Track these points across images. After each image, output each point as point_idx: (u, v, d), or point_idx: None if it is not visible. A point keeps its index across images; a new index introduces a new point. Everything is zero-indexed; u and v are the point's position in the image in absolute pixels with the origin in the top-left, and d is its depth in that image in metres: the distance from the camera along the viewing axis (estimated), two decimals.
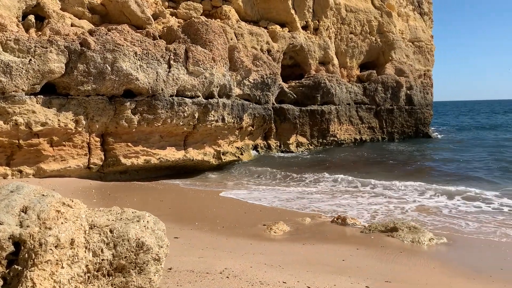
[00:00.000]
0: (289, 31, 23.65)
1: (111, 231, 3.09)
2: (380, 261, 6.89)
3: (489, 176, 15.86)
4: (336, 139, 25.56)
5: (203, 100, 16.14)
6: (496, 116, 67.47)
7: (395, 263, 6.84)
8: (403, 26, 29.95)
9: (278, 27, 23.02)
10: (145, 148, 15.04)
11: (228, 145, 18.61)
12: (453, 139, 30.83)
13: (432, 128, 35.46)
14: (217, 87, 16.88)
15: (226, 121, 17.30)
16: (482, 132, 36.81)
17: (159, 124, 14.91)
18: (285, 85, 23.46)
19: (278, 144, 23.02)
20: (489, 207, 11.13)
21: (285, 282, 5.21)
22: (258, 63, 20.09)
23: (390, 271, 6.32)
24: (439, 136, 33.09)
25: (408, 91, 28.82)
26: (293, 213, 10.65)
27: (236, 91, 18.79)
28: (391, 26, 28.15)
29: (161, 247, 3.16)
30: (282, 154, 22.35)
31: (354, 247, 7.64)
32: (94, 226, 3.12)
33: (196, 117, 15.94)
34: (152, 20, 17.59)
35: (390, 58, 28.49)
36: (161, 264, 3.17)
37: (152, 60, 14.66)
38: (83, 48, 13.18)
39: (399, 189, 13.42)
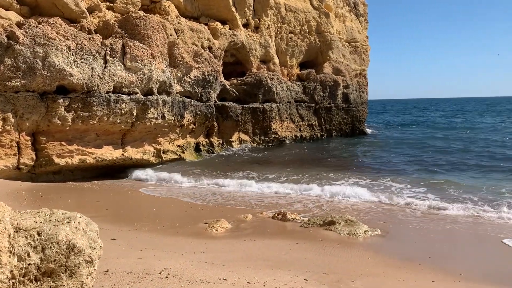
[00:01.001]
0: (230, 29, 23.64)
1: (38, 234, 2.92)
2: (318, 254, 7.09)
3: (412, 170, 16.71)
4: (277, 136, 25.95)
5: (142, 97, 15.72)
6: (427, 113, 71.63)
7: (332, 255, 7.08)
8: (340, 27, 30.98)
9: (219, 24, 22.93)
10: (80, 147, 14.40)
11: (169, 143, 18.29)
12: (387, 136, 32.34)
13: (371, 125, 37.13)
14: (156, 83, 16.52)
15: (166, 119, 16.98)
16: (410, 129, 38.96)
17: (95, 122, 14.33)
18: (227, 83, 23.43)
19: (221, 141, 22.96)
20: (415, 199, 11.79)
21: (225, 279, 5.21)
22: (199, 60, 19.89)
23: (328, 263, 6.53)
24: (374, 132, 34.60)
25: (345, 90, 29.86)
26: (235, 210, 10.68)
27: (177, 88, 18.48)
28: (329, 27, 29.02)
29: (94, 248, 3.03)
30: (224, 152, 22.33)
31: (294, 242, 7.81)
32: (20, 229, 2.93)
33: (135, 114, 15.50)
34: (87, 13, 16.84)
35: (328, 57, 29.36)
36: (94, 266, 3.05)
37: (87, 55, 14.05)
38: (11, 41, 12.35)
39: (335, 184, 13.88)
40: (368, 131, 33.96)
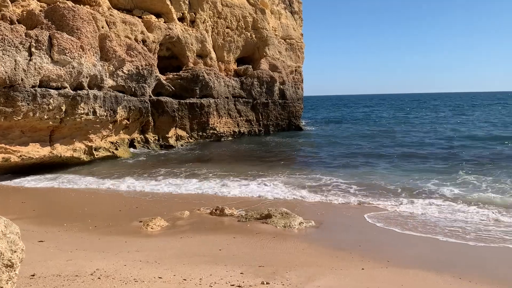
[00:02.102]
0: (165, 22, 23.13)
1: None
2: (255, 247, 7.19)
3: (341, 164, 17.37)
4: (215, 132, 25.87)
5: (71, 91, 14.96)
6: (363, 109, 74.75)
7: (268, 248, 7.21)
8: (276, 24, 31.41)
9: (153, 17, 22.34)
10: (3, 145, 13.44)
11: (101, 140, 17.59)
12: (322, 132, 33.37)
13: (307, 121, 38.11)
14: (86, 77, 15.79)
15: (98, 114, 16.30)
16: (345, 125, 40.53)
17: (20, 118, 13.44)
18: (162, 77, 22.93)
19: (157, 138, 22.48)
20: (345, 192, 12.32)
21: (160, 277, 5.13)
22: (132, 53, 19.28)
23: (264, 256, 6.64)
24: (309, 128, 35.54)
25: (281, 86, 30.39)
26: (171, 208, 10.50)
27: (109, 82, 17.79)
28: (265, 23, 29.33)
29: (15, 251, 2.85)
30: (160, 148, 21.89)
31: (231, 236, 7.85)
32: None
33: (63, 110, 14.72)
34: (9, 2, 15.68)
35: (264, 54, 29.68)
36: (15, 271, 2.87)
37: (9, 47, 13.11)
38: None
39: (270, 179, 14.12)
40: (305, 127, 34.86)
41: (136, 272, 5.31)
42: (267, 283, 5.32)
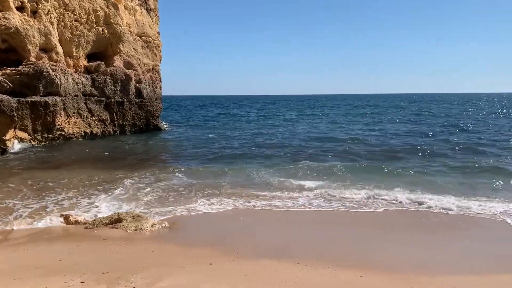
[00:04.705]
0: (0, 11, 20.46)
1: None
2: (101, 253, 6.86)
3: (196, 163, 17.60)
4: (64, 133, 23.82)
5: None
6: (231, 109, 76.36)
7: (115, 253, 6.94)
8: (131, 20, 30.23)
9: None
10: None
11: None
12: (183, 132, 33.15)
13: (172, 122, 37.40)
14: None
15: None
16: (207, 124, 41.02)
17: None
18: None
19: None
20: (202, 192, 12.57)
21: None
22: None
23: (110, 262, 6.38)
24: (174, 129, 34.92)
25: (137, 85, 29.39)
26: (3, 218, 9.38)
27: None
28: (118, 18, 28.01)
29: None
30: None
31: (75, 244, 7.35)
32: None
33: None
34: None
35: (118, 50, 28.33)
36: None
37: None
38: None
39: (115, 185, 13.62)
40: (167, 127, 34.31)
41: None
42: None
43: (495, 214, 9.83)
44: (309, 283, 5.88)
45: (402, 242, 8.10)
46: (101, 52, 28.32)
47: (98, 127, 26.51)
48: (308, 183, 13.05)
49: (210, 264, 6.61)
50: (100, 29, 27.10)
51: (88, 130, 25.75)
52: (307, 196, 11.71)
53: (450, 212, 10.11)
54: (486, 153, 19.14)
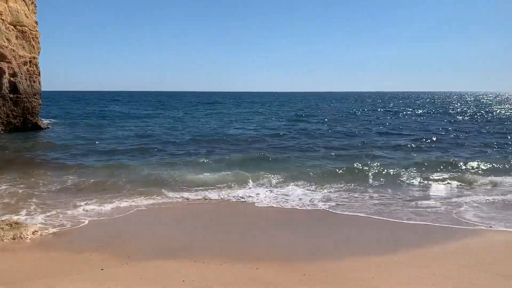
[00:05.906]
0: None
1: None
2: None
3: (61, 164, 16.54)
4: None
5: None
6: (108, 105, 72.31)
7: None
8: (3, 7, 27.10)
9: None
10: None
11: None
12: (67, 130, 30.70)
13: (57, 120, 34.20)
14: None
15: None
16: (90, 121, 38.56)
17: None
18: None
19: None
20: (93, 195, 11.88)
21: None
22: None
23: None
24: (56, 127, 32.08)
25: (12, 78, 26.46)
26: None
27: None
28: None
29: None
30: None
31: None
32: None
33: None
34: None
35: None
36: None
37: None
38: None
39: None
40: (47, 124, 31.45)
41: None
42: None
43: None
44: (206, 279, 5.91)
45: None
46: None
47: None
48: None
49: (102, 269, 6.28)
50: None
51: None
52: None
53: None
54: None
